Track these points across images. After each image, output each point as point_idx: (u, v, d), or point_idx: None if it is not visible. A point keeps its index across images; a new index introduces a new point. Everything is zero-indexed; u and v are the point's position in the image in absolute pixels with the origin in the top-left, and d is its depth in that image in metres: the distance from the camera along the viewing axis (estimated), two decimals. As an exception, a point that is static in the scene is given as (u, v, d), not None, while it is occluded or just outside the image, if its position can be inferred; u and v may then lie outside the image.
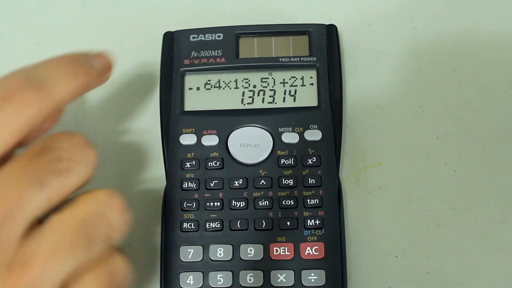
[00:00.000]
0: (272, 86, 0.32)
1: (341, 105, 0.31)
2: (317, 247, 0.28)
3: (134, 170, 0.33)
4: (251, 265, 0.28)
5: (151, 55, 0.34)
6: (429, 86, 0.33)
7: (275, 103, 0.32)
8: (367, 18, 0.35)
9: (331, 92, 0.31)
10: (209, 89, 0.32)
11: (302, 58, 0.32)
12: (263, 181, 0.30)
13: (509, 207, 0.31)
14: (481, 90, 0.33)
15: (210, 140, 0.30)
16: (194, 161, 0.30)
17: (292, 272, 0.28)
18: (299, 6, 0.36)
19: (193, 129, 0.31)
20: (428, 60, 0.34)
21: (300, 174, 0.30)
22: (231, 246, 0.29)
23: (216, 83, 0.32)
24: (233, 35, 0.33)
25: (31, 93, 0.21)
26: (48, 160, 0.21)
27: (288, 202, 0.29)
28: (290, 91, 0.32)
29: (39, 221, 0.21)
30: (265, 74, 0.32)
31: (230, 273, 0.28)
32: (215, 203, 0.29)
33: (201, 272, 0.28)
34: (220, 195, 0.30)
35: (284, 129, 0.31)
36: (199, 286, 0.28)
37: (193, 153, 0.30)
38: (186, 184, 0.30)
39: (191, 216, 0.29)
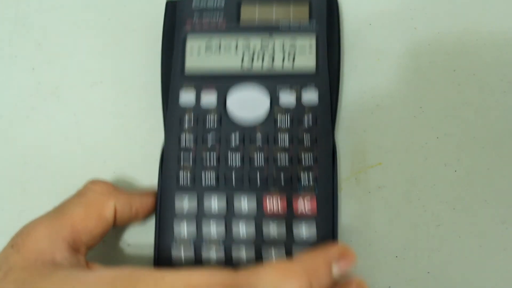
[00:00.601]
0: (272, 51, 0.32)
1: (339, 71, 0.32)
2: (310, 202, 0.29)
3: (134, 170, 0.33)
4: (245, 217, 0.29)
5: (151, 61, 0.34)
6: (429, 86, 0.33)
7: (274, 67, 0.32)
8: (367, 18, 0.35)
9: (329, 57, 0.32)
10: (210, 51, 0.32)
11: (302, 25, 0.32)
12: (259, 139, 0.30)
13: (509, 207, 0.31)
14: (481, 90, 0.33)
15: (209, 100, 0.31)
16: (192, 120, 0.31)
17: (284, 226, 0.29)
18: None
19: (193, 89, 0.31)
20: (428, 60, 0.34)
21: (296, 134, 0.30)
22: (225, 200, 0.29)
23: (216, 47, 0.32)
24: (234, 3, 0.33)
25: None
26: None
27: (283, 160, 0.30)
28: (289, 56, 0.32)
29: None
30: (265, 39, 0.32)
31: (223, 224, 0.29)
32: (212, 159, 0.30)
33: (196, 223, 0.29)
34: (217, 152, 0.30)
35: (282, 91, 0.31)
36: (193, 236, 0.29)
37: (191, 112, 0.31)
38: (184, 141, 0.30)
39: (188, 171, 0.30)
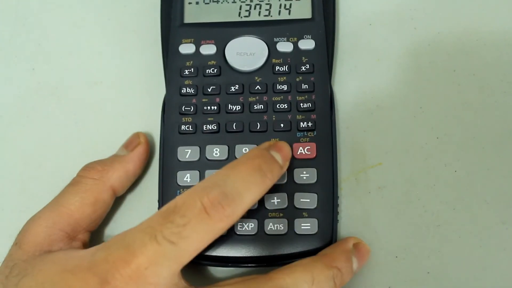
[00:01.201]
0: (268, 0, 0.33)
1: (334, 17, 0.33)
2: (309, 147, 0.30)
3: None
4: None
5: (152, 61, 0.34)
6: (429, 86, 0.33)
7: (271, 15, 0.33)
8: (367, 18, 0.35)
9: (325, 5, 0.33)
10: (208, 3, 0.33)
11: None
12: (258, 86, 0.31)
13: (509, 207, 0.31)
14: (481, 90, 0.33)
15: (208, 49, 0.32)
16: (192, 69, 0.31)
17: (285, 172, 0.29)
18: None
19: (192, 40, 0.32)
20: (428, 60, 0.34)
21: (294, 80, 0.31)
22: (226, 147, 0.30)
23: None
24: None
25: (227, 209, 0.23)
26: None
27: (282, 106, 0.30)
28: (285, 4, 0.33)
29: None
30: None
31: None
32: (212, 107, 0.31)
33: (198, 170, 0.29)
34: (217, 100, 0.31)
35: (279, 39, 0.32)
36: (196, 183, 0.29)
37: (191, 62, 0.32)
38: (185, 90, 0.31)
39: (189, 119, 0.30)
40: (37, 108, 0.35)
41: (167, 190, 0.29)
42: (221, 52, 0.32)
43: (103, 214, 0.30)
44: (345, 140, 0.32)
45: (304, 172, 0.29)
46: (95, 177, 0.29)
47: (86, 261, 0.23)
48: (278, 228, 0.28)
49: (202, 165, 0.29)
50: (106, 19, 0.37)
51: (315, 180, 0.29)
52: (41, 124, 0.35)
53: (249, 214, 0.28)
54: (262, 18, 0.33)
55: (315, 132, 0.30)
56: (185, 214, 0.23)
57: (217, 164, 0.29)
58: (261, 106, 0.30)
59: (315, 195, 0.29)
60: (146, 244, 0.22)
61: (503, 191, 0.31)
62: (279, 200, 0.28)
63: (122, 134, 0.34)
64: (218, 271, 0.30)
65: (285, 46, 0.32)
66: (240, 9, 0.33)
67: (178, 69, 0.31)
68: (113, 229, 0.32)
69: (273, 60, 0.31)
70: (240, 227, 0.28)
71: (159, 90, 0.32)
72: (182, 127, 0.30)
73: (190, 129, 0.30)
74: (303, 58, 0.31)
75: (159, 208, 0.30)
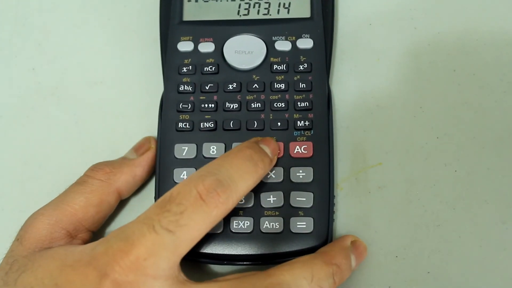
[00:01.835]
0: None
1: (333, 17, 0.33)
2: (306, 146, 0.30)
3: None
4: None
5: (151, 61, 0.34)
6: (429, 86, 0.33)
7: (270, 14, 0.33)
8: (367, 18, 0.35)
9: (324, 4, 0.33)
10: (207, 1, 0.33)
11: None
12: (256, 85, 0.31)
13: (509, 207, 0.31)
14: (481, 90, 0.33)
15: (207, 47, 0.32)
16: (190, 66, 0.32)
17: (281, 169, 0.29)
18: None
19: (191, 37, 0.32)
20: (428, 60, 0.34)
21: (292, 79, 0.31)
22: (223, 144, 0.30)
23: None
24: None
25: (222, 195, 0.23)
26: None
27: (279, 105, 0.30)
28: (284, 3, 0.33)
29: None
30: None
31: None
32: (210, 105, 0.31)
33: (194, 168, 0.30)
34: (215, 97, 0.31)
35: (278, 38, 0.32)
36: None
37: (190, 59, 0.32)
38: (183, 87, 0.31)
39: (187, 117, 0.31)
40: (37, 108, 0.35)
41: (164, 187, 0.29)
42: (219, 50, 0.32)
43: (106, 216, 0.30)
44: (345, 140, 0.32)
45: (301, 171, 0.29)
46: (102, 178, 0.29)
47: (86, 256, 0.24)
48: (274, 227, 0.28)
49: (199, 163, 0.29)
50: (106, 19, 0.37)
51: (311, 179, 0.29)
52: (41, 124, 0.35)
53: (245, 212, 0.28)
54: (261, 16, 0.33)
55: (312, 131, 0.30)
56: (181, 202, 0.23)
57: None
58: (258, 105, 0.31)
59: (311, 194, 0.29)
60: (145, 235, 0.22)
61: (503, 191, 0.31)
62: (275, 199, 0.29)
63: (122, 134, 0.34)
64: (216, 269, 0.30)
65: (283, 45, 0.32)
66: (239, 7, 0.33)
67: (176, 66, 0.32)
68: (112, 229, 0.32)
69: (271, 59, 0.32)
70: (235, 225, 0.28)
71: (159, 90, 0.32)
72: (179, 125, 0.30)
73: (187, 126, 0.30)
74: (301, 57, 0.31)
75: None
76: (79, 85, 0.35)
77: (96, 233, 0.30)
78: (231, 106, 0.31)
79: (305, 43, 0.32)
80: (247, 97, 0.31)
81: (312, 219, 0.28)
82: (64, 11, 0.38)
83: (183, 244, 0.23)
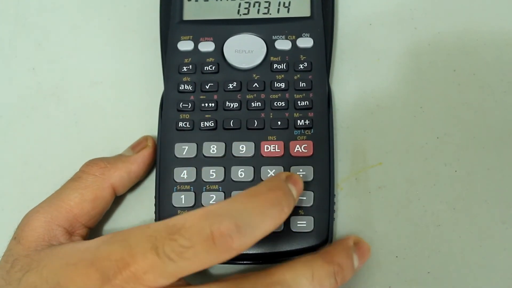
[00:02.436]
0: None
1: (333, 16, 0.33)
2: (306, 145, 0.30)
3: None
4: (243, 161, 0.30)
5: (151, 62, 0.34)
6: (429, 86, 0.33)
7: (270, 13, 0.33)
8: (367, 18, 0.35)
9: (324, 3, 0.33)
10: (207, 0, 0.33)
11: None
12: (256, 84, 0.31)
13: (509, 207, 0.31)
14: (481, 90, 0.33)
15: (207, 46, 0.32)
16: (191, 66, 0.31)
17: (281, 168, 0.29)
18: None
19: (191, 36, 0.32)
20: (428, 60, 0.34)
21: (292, 78, 0.31)
22: (223, 144, 0.30)
23: None
24: None
25: (236, 242, 0.22)
26: None
27: (279, 104, 0.30)
28: (284, 2, 0.33)
29: None
30: None
31: (222, 168, 0.29)
32: (210, 104, 0.31)
33: (195, 167, 0.30)
34: (215, 97, 0.31)
35: (278, 37, 0.32)
36: (192, 180, 0.29)
37: (190, 59, 0.32)
38: (183, 87, 0.31)
39: (187, 116, 0.31)
40: (37, 108, 0.35)
41: (164, 186, 0.29)
42: (219, 49, 0.32)
43: (103, 211, 0.30)
44: (345, 140, 0.32)
45: (301, 170, 0.29)
46: (96, 173, 0.29)
47: (89, 255, 0.24)
48: None
49: (199, 162, 0.30)
50: (106, 19, 0.37)
51: (311, 178, 0.29)
52: (41, 124, 0.35)
53: None
54: (261, 16, 0.33)
55: (312, 130, 0.30)
56: (191, 237, 0.22)
57: (214, 161, 0.29)
58: (258, 104, 0.31)
59: (311, 193, 0.29)
60: (147, 253, 0.22)
61: (503, 191, 0.31)
62: None
63: (122, 134, 0.34)
64: (216, 268, 0.30)
65: (283, 44, 0.32)
66: (239, 6, 0.33)
67: (177, 65, 0.32)
68: (111, 227, 0.32)
69: (271, 58, 0.32)
70: None
71: (159, 90, 0.32)
72: (179, 124, 0.30)
73: (188, 125, 0.30)
74: (301, 56, 0.31)
75: (155, 204, 0.30)
76: (79, 85, 0.35)
77: (94, 229, 0.30)
78: (231, 105, 0.31)
79: (305, 42, 0.32)
80: (247, 96, 0.31)
81: (312, 218, 0.28)
82: (64, 11, 0.38)
83: (182, 272, 0.23)
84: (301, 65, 0.31)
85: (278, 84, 0.31)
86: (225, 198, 0.29)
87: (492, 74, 0.34)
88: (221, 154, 0.30)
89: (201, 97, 0.31)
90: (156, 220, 0.29)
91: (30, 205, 0.29)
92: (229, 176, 0.29)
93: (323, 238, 0.28)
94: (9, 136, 0.35)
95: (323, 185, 0.29)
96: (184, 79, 0.31)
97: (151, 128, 0.33)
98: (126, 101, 0.35)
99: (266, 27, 0.32)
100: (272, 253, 0.28)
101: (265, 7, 0.33)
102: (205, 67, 0.31)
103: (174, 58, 0.32)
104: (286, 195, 0.24)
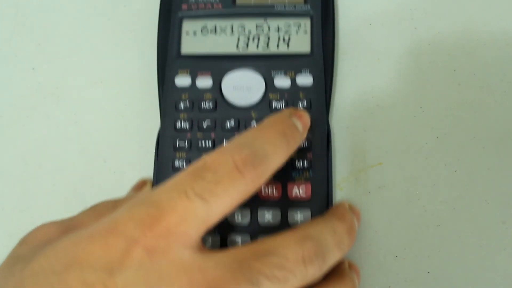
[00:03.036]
0: (267, 33, 0.32)
1: (333, 53, 0.32)
2: (304, 188, 0.29)
3: (134, 169, 0.33)
4: None
5: (151, 62, 0.34)
6: (429, 86, 0.33)
7: (269, 49, 0.32)
8: (367, 18, 0.35)
9: (324, 40, 0.32)
10: (206, 34, 0.33)
11: (297, 6, 0.33)
12: (254, 123, 0.30)
13: (509, 207, 0.31)
14: (481, 90, 0.33)
15: (204, 82, 0.31)
16: (188, 102, 0.31)
17: (279, 211, 0.29)
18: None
19: (188, 71, 0.31)
20: (428, 60, 0.34)
21: None
22: None
23: (212, 29, 0.33)
24: None
25: (258, 169, 0.23)
26: (270, 264, 0.22)
27: None
28: (284, 38, 0.32)
29: None
30: (260, 21, 0.33)
31: None
32: (207, 143, 0.30)
33: None
34: (213, 135, 0.30)
35: (277, 74, 0.31)
36: None
37: (187, 95, 0.31)
38: (180, 125, 0.30)
39: (183, 155, 0.30)
40: (37, 108, 0.35)
41: None
42: (217, 85, 0.31)
43: None
44: (345, 140, 0.32)
45: (298, 214, 0.28)
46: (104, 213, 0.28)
47: (105, 225, 0.21)
48: None
49: None
50: (106, 19, 0.37)
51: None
52: (41, 124, 0.35)
53: None
54: (260, 51, 0.32)
55: (310, 172, 0.29)
56: (217, 171, 0.22)
57: None
58: None
59: None
60: (176, 201, 0.21)
61: (503, 191, 0.31)
62: None
63: (122, 134, 0.34)
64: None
65: (282, 81, 0.31)
66: (238, 41, 0.32)
67: (174, 102, 0.31)
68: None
69: (270, 95, 0.31)
70: None
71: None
72: (176, 163, 0.30)
73: (184, 165, 0.30)
74: (301, 94, 0.31)
75: None
76: (79, 85, 0.35)
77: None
78: None
79: (304, 79, 0.31)
80: None
81: None
82: (64, 11, 0.38)
83: (214, 215, 0.22)
84: (300, 104, 0.30)
85: None
86: (220, 240, 0.28)
87: (492, 74, 0.34)
88: None
89: (198, 135, 0.30)
90: None
91: (30, 205, 0.29)
92: (225, 219, 0.28)
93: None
94: (9, 136, 0.35)
95: None
96: (181, 116, 0.31)
97: (151, 128, 0.33)
98: (126, 101, 0.35)
99: (265, 63, 0.31)
100: None
101: (264, 42, 0.32)
102: (202, 104, 0.31)
103: (171, 94, 0.31)
104: (290, 127, 0.25)
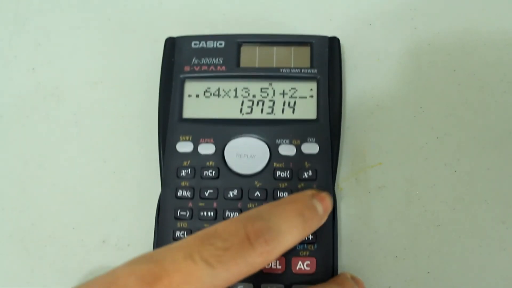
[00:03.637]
0: (272, 97, 0.32)
1: (340, 119, 0.31)
2: (309, 262, 0.28)
3: (134, 170, 0.33)
4: None
5: (151, 58, 0.34)
6: (429, 86, 0.33)
7: (274, 114, 0.31)
8: (367, 18, 0.35)
9: (331, 105, 0.31)
10: (208, 97, 0.32)
11: (303, 70, 0.32)
12: (257, 192, 0.29)
13: (509, 207, 0.31)
14: (481, 90, 0.33)
15: (207, 148, 0.30)
16: (189, 169, 0.30)
17: (282, 287, 0.28)
18: (299, 4, 0.36)
19: (190, 137, 0.30)
20: (428, 60, 0.34)
21: (296, 187, 0.29)
22: None
23: (215, 91, 0.32)
24: (235, 43, 0.33)
25: (270, 244, 0.22)
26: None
27: None
28: (289, 102, 0.31)
29: None
30: (265, 84, 0.32)
31: None
32: (209, 213, 0.29)
33: None
34: (214, 205, 0.29)
35: (282, 141, 0.30)
36: None
37: (189, 161, 0.30)
38: (181, 193, 0.30)
39: (184, 225, 0.29)
40: (37, 108, 0.35)
41: None
42: (220, 152, 0.30)
43: None
44: (345, 140, 0.32)
45: None
46: None
47: (104, 278, 0.21)
48: None
49: None
50: (106, 19, 0.37)
51: None
52: (41, 124, 0.35)
53: None
54: (264, 116, 0.31)
55: (315, 245, 0.28)
56: (227, 238, 0.21)
57: None
58: None
59: None
60: (180, 262, 0.20)
61: (503, 191, 0.31)
62: None
63: (122, 134, 0.34)
64: None
65: (287, 149, 0.30)
66: (242, 105, 0.31)
67: (175, 168, 0.30)
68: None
69: (274, 164, 0.30)
70: None
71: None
72: (176, 234, 0.29)
73: (185, 236, 0.29)
74: (306, 163, 0.30)
75: None
76: (79, 85, 0.35)
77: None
78: (231, 215, 0.29)
79: (310, 148, 0.30)
80: (248, 205, 0.29)
81: None
82: (64, 11, 0.38)
83: (218, 283, 0.21)
84: (305, 173, 0.29)
85: (281, 194, 0.29)
86: None
87: (492, 74, 0.34)
88: None
89: (200, 204, 0.29)
90: None
91: (30, 205, 0.29)
92: None
93: None
94: (9, 136, 0.35)
95: None
96: (183, 183, 0.30)
97: (151, 127, 0.33)
98: (126, 101, 0.35)
99: (269, 130, 0.30)
100: None
101: (269, 107, 0.31)
102: (204, 172, 0.30)
103: (173, 161, 0.30)
104: (309, 209, 0.24)
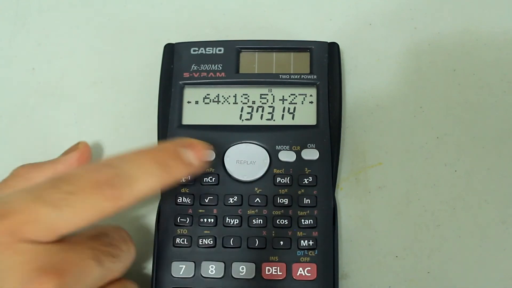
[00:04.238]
0: (271, 103, 0.32)
1: (340, 125, 0.31)
2: (309, 268, 0.28)
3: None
4: (243, 283, 0.28)
5: (151, 57, 0.34)
6: (429, 86, 0.33)
7: (274, 120, 0.31)
8: (367, 18, 0.35)
9: (330, 111, 0.31)
10: (208, 103, 0.32)
11: (302, 76, 0.32)
12: (258, 199, 0.29)
13: (509, 207, 0.31)
14: (481, 90, 0.33)
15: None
16: (189, 176, 0.29)
17: None
18: (298, 3, 0.36)
19: None
20: (428, 60, 0.34)
21: (296, 194, 0.29)
22: (223, 264, 0.28)
23: (215, 98, 0.32)
24: (234, 50, 0.32)
25: (116, 190, 0.22)
26: (105, 243, 0.24)
27: (282, 221, 0.29)
28: (289, 108, 0.31)
29: None
30: (264, 91, 0.32)
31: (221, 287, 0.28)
32: (209, 219, 0.29)
33: (192, 284, 0.28)
34: (214, 211, 0.29)
35: (282, 147, 0.30)
36: None
37: None
38: (181, 199, 0.30)
39: (184, 231, 0.29)
40: (37, 108, 0.35)
41: None
42: (220, 158, 0.30)
43: None
44: (345, 140, 0.32)
45: None
46: (23, 175, 0.29)
47: None
48: None
49: (197, 283, 0.28)
50: (106, 19, 0.37)
51: None
52: (41, 124, 0.35)
53: None
54: (264, 122, 0.31)
55: (316, 251, 0.28)
56: (74, 183, 0.22)
57: (213, 282, 0.28)
58: (260, 221, 0.29)
59: None
60: (28, 203, 0.21)
61: (503, 191, 0.31)
62: None
63: (122, 134, 0.34)
64: None
65: (287, 156, 0.30)
66: (242, 111, 0.31)
67: None
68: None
69: (275, 170, 0.30)
70: None
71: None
72: (176, 240, 0.29)
73: (185, 242, 0.29)
74: (306, 169, 0.30)
75: None
76: (79, 85, 0.35)
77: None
78: (232, 222, 0.29)
79: (310, 154, 0.30)
80: (248, 211, 0.29)
81: None
82: (64, 11, 0.38)
83: (65, 225, 0.22)
84: (305, 180, 0.29)
85: (281, 200, 0.29)
86: None
87: (492, 74, 0.34)
88: (220, 275, 0.28)
89: (200, 211, 0.29)
90: None
91: (30, 205, 0.29)
92: None
93: None
94: (9, 136, 0.35)
95: None
96: (183, 190, 0.30)
97: (151, 127, 0.33)
98: (126, 101, 0.35)
99: (269, 136, 0.30)
100: None
101: (268, 113, 0.31)
102: (204, 178, 0.30)
103: None
104: (171, 155, 0.24)
